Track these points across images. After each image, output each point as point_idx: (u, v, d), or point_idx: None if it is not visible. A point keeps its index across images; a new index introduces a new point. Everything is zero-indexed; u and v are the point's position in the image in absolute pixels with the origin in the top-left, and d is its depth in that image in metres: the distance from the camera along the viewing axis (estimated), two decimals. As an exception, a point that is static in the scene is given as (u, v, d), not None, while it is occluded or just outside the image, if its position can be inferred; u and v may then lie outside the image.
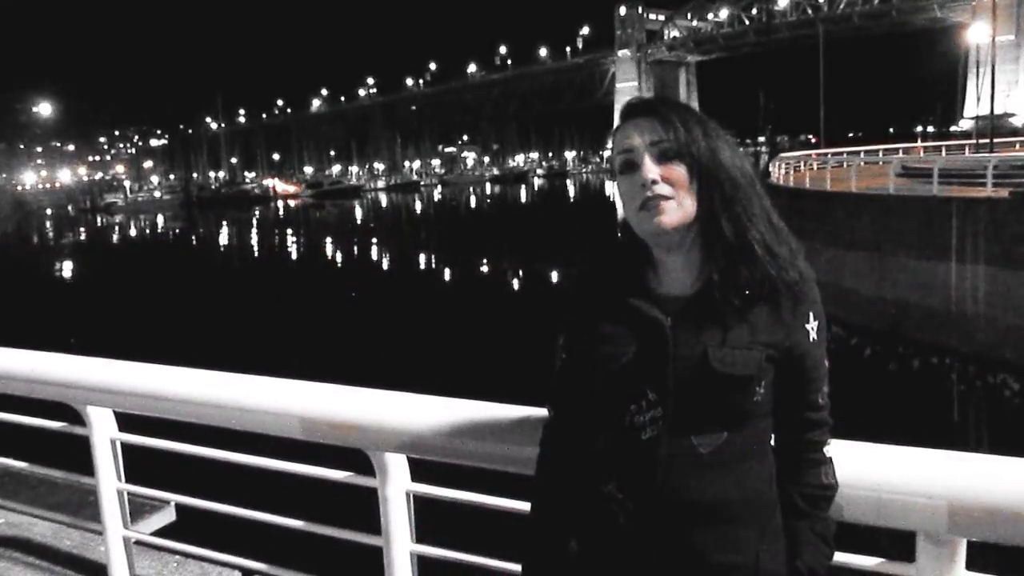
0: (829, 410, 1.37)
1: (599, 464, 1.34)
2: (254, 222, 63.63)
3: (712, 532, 1.27)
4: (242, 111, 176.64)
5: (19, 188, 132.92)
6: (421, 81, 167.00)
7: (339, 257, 36.19)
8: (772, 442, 1.37)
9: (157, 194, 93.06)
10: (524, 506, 1.52)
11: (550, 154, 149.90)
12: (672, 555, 1.28)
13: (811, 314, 1.31)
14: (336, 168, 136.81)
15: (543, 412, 1.52)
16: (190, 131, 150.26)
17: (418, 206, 75.92)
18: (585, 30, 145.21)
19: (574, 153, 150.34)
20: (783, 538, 1.34)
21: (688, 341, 1.27)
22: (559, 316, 1.44)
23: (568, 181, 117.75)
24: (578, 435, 1.39)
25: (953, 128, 65.46)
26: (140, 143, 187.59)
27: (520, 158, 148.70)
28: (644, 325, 1.30)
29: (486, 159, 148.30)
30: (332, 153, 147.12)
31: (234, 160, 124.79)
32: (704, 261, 1.32)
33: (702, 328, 1.28)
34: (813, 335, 1.31)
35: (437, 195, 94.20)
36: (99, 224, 67.69)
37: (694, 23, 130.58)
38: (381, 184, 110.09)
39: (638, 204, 1.29)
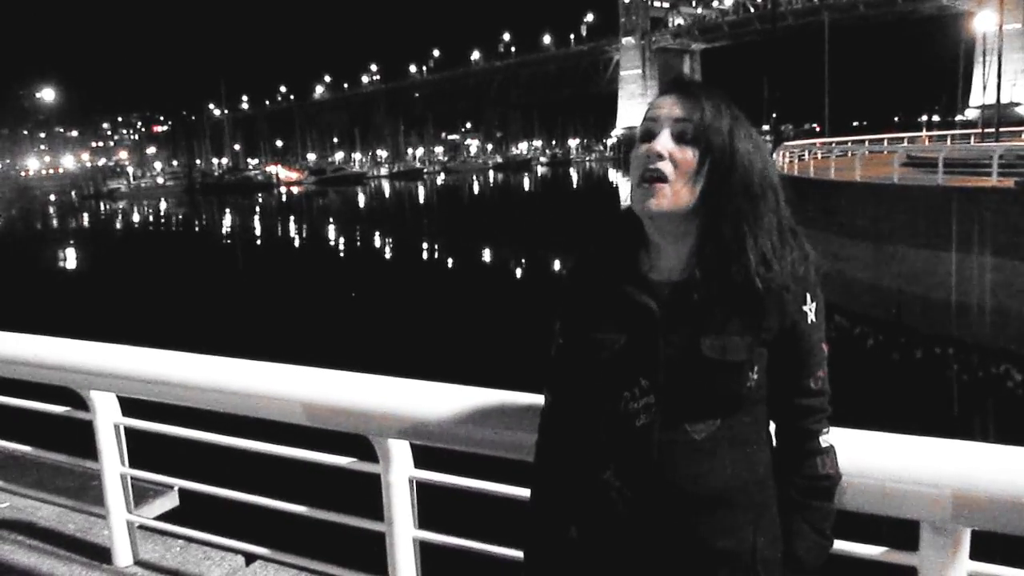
0: (829, 398, 1.33)
1: (597, 451, 1.33)
2: (257, 209, 63.52)
3: (710, 518, 1.26)
4: (245, 97, 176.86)
5: (23, 174, 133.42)
6: (424, 68, 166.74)
7: (341, 243, 36.16)
8: (772, 429, 1.35)
9: (160, 180, 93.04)
10: (526, 492, 1.52)
11: (553, 142, 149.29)
12: (671, 542, 1.27)
13: (808, 295, 1.28)
14: (339, 155, 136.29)
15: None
16: (193, 117, 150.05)
17: (421, 193, 75.74)
18: (589, 17, 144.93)
19: (577, 141, 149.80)
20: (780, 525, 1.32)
21: (678, 328, 1.26)
22: (556, 300, 1.43)
23: (571, 169, 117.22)
24: (575, 422, 1.38)
25: (959, 117, 65.17)
26: (143, 129, 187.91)
27: (523, 146, 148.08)
28: (635, 312, 1.29)
29: (489, 146, 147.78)
30: (335, 140, 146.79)
31: (237, 147, 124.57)
32: (697, 249, 1.29)
33: (693, 315, 1.26)
34: (811, 317, 1.28)
35: (440, 182, 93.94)
36: (102, 210, 67.66)
37: (699, 11, 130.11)
38: (384, 171, 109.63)
39: (639, 176, 1.28)
